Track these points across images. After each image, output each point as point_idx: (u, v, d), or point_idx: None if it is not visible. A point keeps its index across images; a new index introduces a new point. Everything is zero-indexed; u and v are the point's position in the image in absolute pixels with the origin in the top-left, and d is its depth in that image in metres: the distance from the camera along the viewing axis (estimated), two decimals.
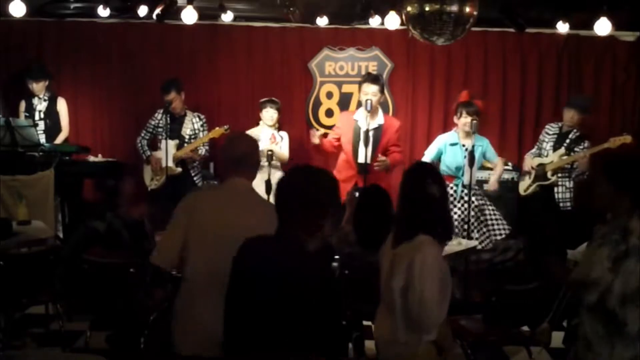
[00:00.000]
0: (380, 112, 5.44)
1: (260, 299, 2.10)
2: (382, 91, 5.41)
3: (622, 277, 2.49)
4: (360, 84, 5.38)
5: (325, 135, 5.54)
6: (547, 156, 5.90)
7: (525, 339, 3.88)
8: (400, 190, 2.82)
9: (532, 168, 5.94)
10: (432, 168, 2.97)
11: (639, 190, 2.57)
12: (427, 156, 5.53)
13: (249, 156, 2.85)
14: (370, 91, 5.27)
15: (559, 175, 5.80)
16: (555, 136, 5.92)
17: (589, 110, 5.96)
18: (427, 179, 2.74)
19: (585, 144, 5.73)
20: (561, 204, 5.82)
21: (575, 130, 5.82)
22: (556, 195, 5.83)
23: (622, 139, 5.52)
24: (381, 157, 5.27)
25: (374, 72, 6.34)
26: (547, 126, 6.09)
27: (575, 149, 5.74)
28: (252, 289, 2.13)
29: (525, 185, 6.02)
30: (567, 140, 5.81)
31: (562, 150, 5.79)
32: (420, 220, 2.69)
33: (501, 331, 3.82)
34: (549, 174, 5.81)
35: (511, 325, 3.84)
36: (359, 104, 5.48)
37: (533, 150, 6.12)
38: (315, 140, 5.45)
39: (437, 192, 2.72)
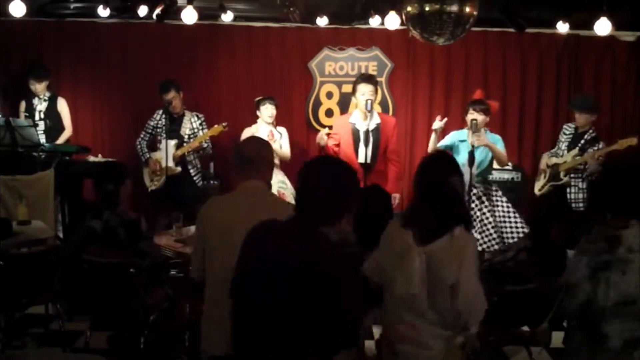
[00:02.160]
0: (374, 111, 5.43)
1: (270, 286, 1.99)
2: (376, 90, 5.41)
3: (604, 288, 2.45)
4: (354, 84, 5.36)
5: (329, 134, 5.49)
6: (562, 156, 5.92)
7: (525, 339, 3.89)
8: (422, 183, 2.72)
9: (548, 167, 5.95)
10: (453, 158, 2.90)
11: (637, 201, 2.54)
12: (435, 143, 5.48)
13: (261, 156, 2.84)
14: (368, 90, 5.26)
15: (572, 175, 5.80)
16: (571, 136, 5.93)
17: (597, 109, 5.96)
18: (453, 171, 2.70)
19: (600, 145, 5.72)
20: (573, 205, 5.82)
21: (591, 131, 5.82)
22: (568, 196, 5.83)
23: (628, 141, 5.50)
24: None
25: (366, 73, 6.33)
26: (564, 126, 6.10)
27: (589, 150, 5.73)
28: (260, 277, 2.03)
29: (539, 185, 6.04)
30: (582, 141, 5.81)
31: (576, 150, 5.80)
32: (455, 213, 2.63)
33: (501, 331, 3.82)
34: (561, 174, 5.82)
35: (511, 325, 3.83)
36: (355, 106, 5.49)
37: (552, 150, 6.14)
38: (323, 141, 5.38)
39: (460, 183, 2.71)
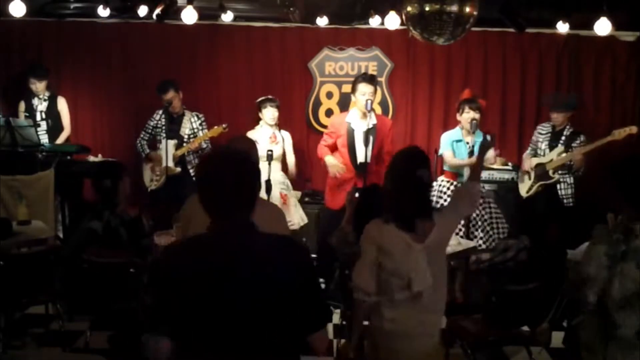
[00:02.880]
0: (372, 112, 5.43)
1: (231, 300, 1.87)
2: (376, 90, 5.43)
3: (619, 278, 2.49)
4: (354, 84, 5.36)
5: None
6: (544, 156, 5.91)
7: (525, 339, 3.89)
8: (393, 177, 2.87)
9: (531, 168, 5.94)
10: (422, 152, 2.98)
11: None
12: (449, 156, 5.53)
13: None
14: (368, 91, 5.27)
15: (560, 172, 5.81)
16: (549, 135, 5.93)
17: (574, 106, 5.96)
18: (422, 164, 2.84)
19: (581, 139, 5.75)
20: (565, 201, 5.84)
21: (568, 127, 5.85)
22: (559, 192, 5.85)
23: (627, 130, 5.49)
24: None
25: (368, 73, 6.32)
26: (538, 127, 6.11)
27: (573, 145, 5.75)
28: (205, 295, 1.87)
29: (526, 187, 6.01)
30: (563, 138, 5.83)
31: (561, 147, 5.80)
32: (425, 204, 2.86)
33: (501, 331, 3.82)
34: (550, 172, 5.82)
35: (511, 325, 3.83)
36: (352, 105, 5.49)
37: (528, 152, 6.13)
38: (338, 174, 5.39)
39: (428, 176, 2.86)
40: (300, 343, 1.98)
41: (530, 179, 5.98)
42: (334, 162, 5.40)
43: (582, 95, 6.63)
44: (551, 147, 5.88)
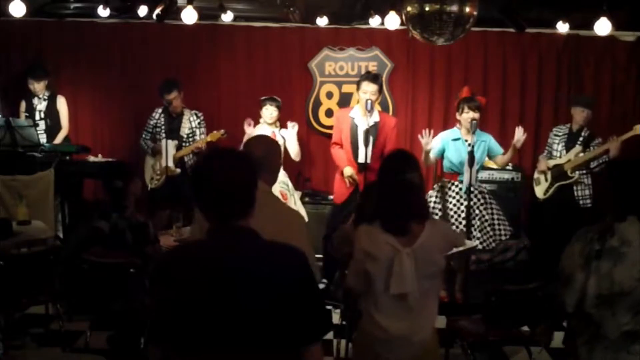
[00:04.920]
0: (375, 110, 5.42)
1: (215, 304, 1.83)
2: (380, 90, 5.41)
3: (595, 277, 2.49)
4: (359, 82, 5.37)
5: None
6: (560, 157, 5.93)
7: (525, 339, 3.88)
8: (384, 181, 2.87)
9: (548, 169, 5.95)
10: (412, 155, 2.98)
11: (635, 196, 2.55)
12: (432, 153, 5.46)
13: (268, 159, 2.70)
14: (370, 90, 5.26)
15: (578, 172, 5.83)
16: (566, 136, 5.95)
17: (592, 106, 6.00)
18: (412, 167, 2.90)
19: (599, 140, 5.78)
20: (581, 202, 5.85)
21: (585, 128, 5.87)
22: (575, 193, 5.86)
23: None
24: None
25: (374, 72, 6.31)
26: (554, 129, 6.14)
27: (591, 145, 5.78)
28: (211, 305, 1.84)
29: (543, 189, 6.01)
30: (580, 139, 5.85)
31: (579, 147, 5.82)
32: (417, 207, 2.83)
33: (501, 331, 3.82)
34: (569, 172, 5.83)
35: (511, 325, 3.83)
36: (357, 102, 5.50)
37: (544, 154, 6.15)
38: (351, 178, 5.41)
39: (419, 179, 2.95)
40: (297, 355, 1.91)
41: (547, 180, 5.98)
42: (349, 174, 5.42)
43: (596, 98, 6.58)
44: (567, 148, 5.89)
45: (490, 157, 5.55)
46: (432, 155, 5.28)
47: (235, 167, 1.93)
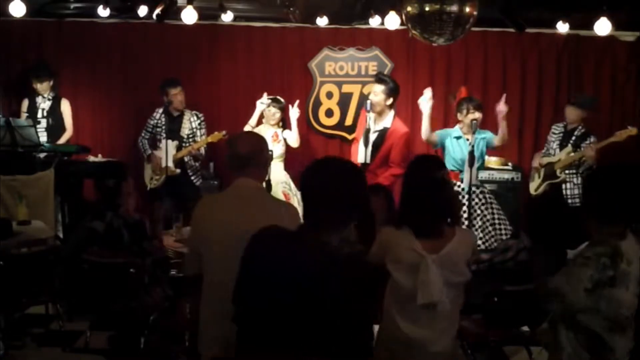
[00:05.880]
0: (390, 115, 5.37)
1: (272, 297, 1.94)
2: (387, 92, 5.31)
3: (606, 302, 2.42)
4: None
5: None
6: (554, 155, 5.96)
7: (525, 339, 3.88)
8: (413, 183, 2.77)
9: (541, 166, 5.98)
10: (438, 157, 2.94)
11: (630, 213, 2.49)
12: (434, 135, 5.44)
13: (256, 155, 2.69)
14: (374, 90, 5.29)
15: (567, 172, 5.84)
16: (561, 135, 5.97)
17: (593, 107, 6.01)
18: (442, 167, 2.79)
19: (591, 139, 5.78)
20: (570, 201, 5.86)
21: (580, 127, 5.88)
22: (565, 192, 5.87)
23: (627, 132, 5.54)
24: None
25: (382, 74, 6.17)
26: (553, 126, 6.16)
27: (582, 145, 5.78)
28: (263, 285, 1.97)
29: (535, 185, 6.08)
30: (573, 138, 5.87)
31: (569, 147, 5.84)
32: (449, 210, 2.76)
33: (501, 331, 3.82)
34: (557, 172, 5.86)
35: (511, 325, 3.83)
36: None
37: (543, 151, 6.19)
38: None
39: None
40: None
41: (539, 177, 6.03)
42: None
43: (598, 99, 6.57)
44: (561, 146, 5.92)
45: (490, 147, 5.53)
46: (434, 137, 5.33)
47: (343, 181, 2.06)
